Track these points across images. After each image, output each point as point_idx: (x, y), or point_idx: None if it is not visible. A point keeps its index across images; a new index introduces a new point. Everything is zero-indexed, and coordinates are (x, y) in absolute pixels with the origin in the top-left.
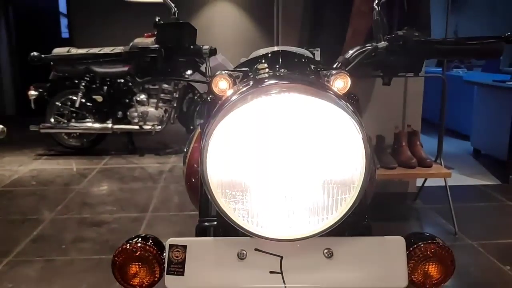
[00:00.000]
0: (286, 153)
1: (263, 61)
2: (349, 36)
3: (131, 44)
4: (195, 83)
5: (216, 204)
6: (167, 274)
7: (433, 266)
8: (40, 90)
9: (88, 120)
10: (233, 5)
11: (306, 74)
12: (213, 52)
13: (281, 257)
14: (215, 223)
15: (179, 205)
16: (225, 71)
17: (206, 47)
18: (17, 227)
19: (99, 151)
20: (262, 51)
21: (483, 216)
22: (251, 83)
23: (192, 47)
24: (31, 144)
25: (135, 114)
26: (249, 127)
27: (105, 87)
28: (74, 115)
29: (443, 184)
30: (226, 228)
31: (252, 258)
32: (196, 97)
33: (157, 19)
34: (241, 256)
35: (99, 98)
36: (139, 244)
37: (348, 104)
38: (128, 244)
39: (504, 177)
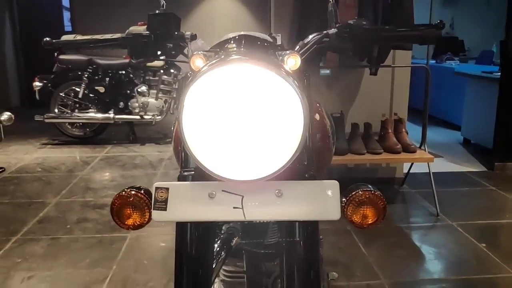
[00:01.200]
0: (244, 114)
1: (232, 42)
2: None
3: (126, 31)
4: (181, 64)
5: (192, 155)
6: (153, 209)
7: (368, 209)
8: (45, 81)
9: (90, 110)
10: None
11: (263, 53)
12: (193, 37)
13: (242, 196)
14: (193, 172)
15: None
16: (201, 51)
17: (188, 33)
18: (24, 209)
19: (102, 140)
20: (231, 35)
21: (465, 199)
22: (217, 58)
23: (176, 33)
24: (36, 134)
25: (136, 104)
26: (212, 92)
27: (107, 79)
28: (77, 105)
29: (427, 170)
30: (200, 176)
31: (220, 197)
32: None
33: (157, 11)
34: (211, 196)
35: (101, 89)
36: (132, 192)
37: (293, 79)
38: (124, 192)
39: (490, 164)
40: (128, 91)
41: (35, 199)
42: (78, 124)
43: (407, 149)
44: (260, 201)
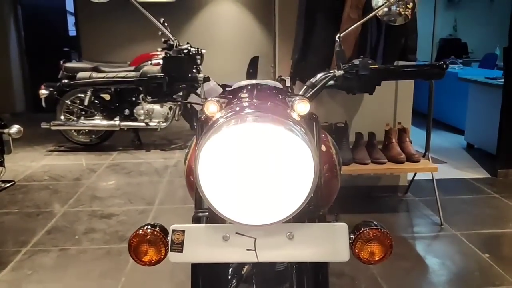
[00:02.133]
0: (257, 163)
1: (244, 91)
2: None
3: (141, 71)
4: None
5: (206, 201)
6: (170, 251)
7: (375, 246)
8: (51, 89)
9: (96, 117)
10: (236, 3)
11: (274, 103)
12: (206, 79)
13: (255, 239)
14: (207, 213)
15: (183, 198)
16: (215, 97)
17: (201, 75)
18: (33, 219)
19: (107, 147)
20: (243, 83)
21: (469, 207)
22: (233, 111)
23: (190, 75)
24: (41, 140)
25: (141, 111)
26: (229, 144)
27: (113, 86)
28: (83, 112)
29: (430, 178)
30: (215, 218)
31: (233, 239)
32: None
33: (162, 20)
34: (225, 238)
35: (106, 97)
36: (149, 230)
37: (302, 128)
38: (141, 230)
39: (493, 171)
40: (133, 98)
41: (43, 209)
42: (84, 131)
43: (411, 158)
44: (272, 243)
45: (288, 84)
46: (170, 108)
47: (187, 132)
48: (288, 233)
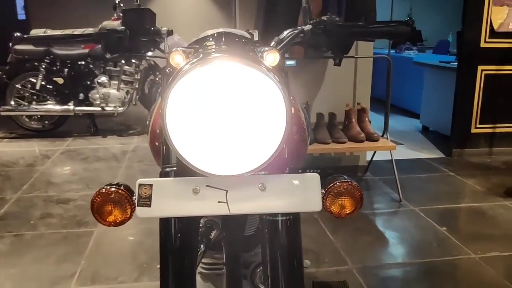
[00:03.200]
0: (226, 110)
1: (210, 39)
2: (300, 19)
3: (100, 26)
4: (156, 59)
5: (176, 152)
6: (137, 206)
7: (346, 199)
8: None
9: (49, 102)
10: None
11: (243, 50)
12: (170, 32)
13: (226, 191)
14: (175, 168)
15: None
16: (180, 48)
17: (164, 28)
18: None
19: (61, 133)
20: (209, 32)
21: (426, 185)
22: (199, 56)
23: (152, 28)
24: None
25: (97, 96)
26: (196, 89)
27: (66, 69)
28: (35, 97)
29: (389, 157)
30: (183, 171)
31: (204, 192)
32: (157, 79)
33: (117, 1)
34: (195, 191)
35: (60, 80)
36: (112, 189)
37: (274, 74)
38: (104, 189)
39: (448, 151)
40: (88, 82)
41: None
42: (36, 117)
43: (370, 137)
44: (244, 195)
45: (256, 38)
46: (127, 92)
47: (145, 117)
48: (260, 185)
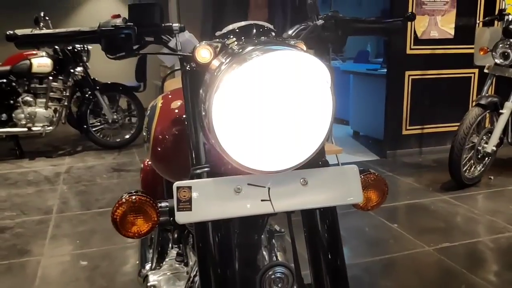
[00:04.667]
0: (277, 104)
1: (239, 32)
2: (251, 15)
3: (99, 23)
4: (162, 56)
5: (222, 151)
6: (177, 211)
7: (372, 192)
8: None
9: None
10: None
11: (277, 41)
12: (182, 29)
13: (269, 188)
14: (207, 169)
15: (85, 203)
16: (205, 42)
17: (176, 25)
18: None
19: None
20: (236, 25)
21: None
22: (238, 50)
23: (163, 25)
24: None
25: (22, 115)
26: (242, 85)
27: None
28: None
29: (335, 161)
30: (216, 172)
31: (246, 191)
32: (87, 95)
33: (42, 14)
34: (237, 191)
35: None
36: (133, 197)
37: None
38: (123, 199)
39: (382, 153)
40: (11, 101)
41: None
42: None
43: None
44: (287, 191)
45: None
46: (55, 110)
47: (76, 137)
48: (301, 179)
